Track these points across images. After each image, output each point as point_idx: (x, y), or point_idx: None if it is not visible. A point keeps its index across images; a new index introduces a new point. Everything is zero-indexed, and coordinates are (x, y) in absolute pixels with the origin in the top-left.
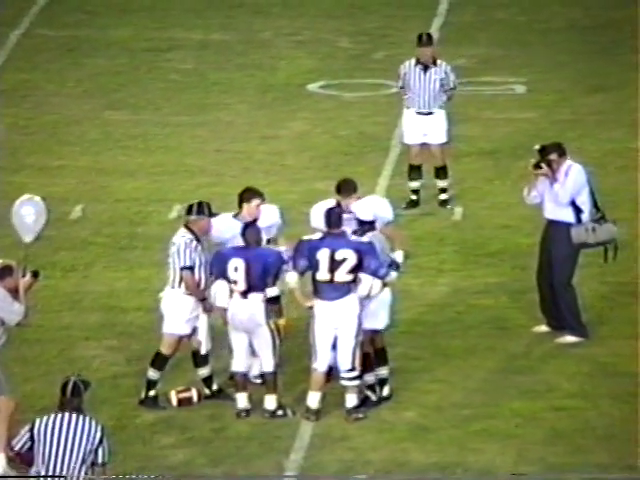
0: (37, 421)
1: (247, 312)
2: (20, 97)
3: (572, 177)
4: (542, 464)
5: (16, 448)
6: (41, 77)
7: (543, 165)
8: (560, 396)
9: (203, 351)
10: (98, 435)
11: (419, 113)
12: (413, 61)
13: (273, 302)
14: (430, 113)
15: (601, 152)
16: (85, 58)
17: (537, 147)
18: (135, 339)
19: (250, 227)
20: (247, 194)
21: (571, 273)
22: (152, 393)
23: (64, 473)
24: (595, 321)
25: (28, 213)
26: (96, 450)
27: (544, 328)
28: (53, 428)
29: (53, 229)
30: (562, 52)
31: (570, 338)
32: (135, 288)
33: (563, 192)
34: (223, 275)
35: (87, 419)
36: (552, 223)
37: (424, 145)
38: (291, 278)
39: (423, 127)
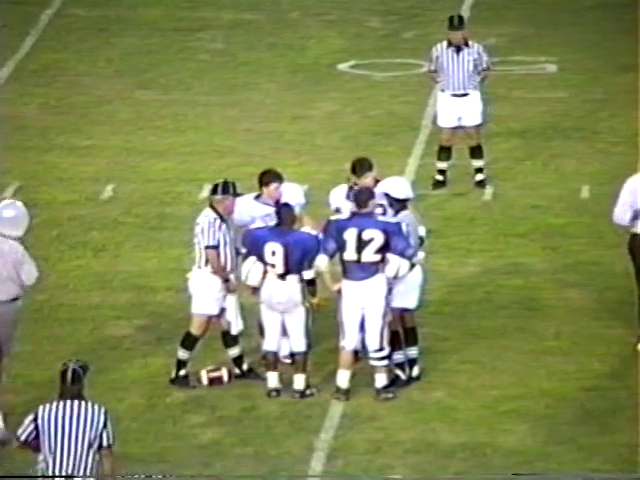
0: (40, 410)
1: (285, 293)
2: (51, 77)
3: None
4: (572, 444)
5: (22, 439)
6: (72, 57)
7: None
8: (590, 376)
9: (234, 332)
10: (102, 419)
11: (454, 95)
12: (445, 43)
13: (310, 284)
14: (465, 94)
15: (632, 131)
16: (116, 38)
17: None
18: (165, 318)
19: (284, 208)
20: (265, 177)
21: None
22: (182, 372)
23: (72, 460)
24: (624, 301)
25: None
26: (101, 434)
27: None
28: (57, 417)
29: (84, 209)
30: (593, 31)
31: None
32: (165, 268)
33: None
34: (258, 256)
35: (89, 405)
36: None
37: (457, 128)
38: (321, 261)
39: (458, 110)
